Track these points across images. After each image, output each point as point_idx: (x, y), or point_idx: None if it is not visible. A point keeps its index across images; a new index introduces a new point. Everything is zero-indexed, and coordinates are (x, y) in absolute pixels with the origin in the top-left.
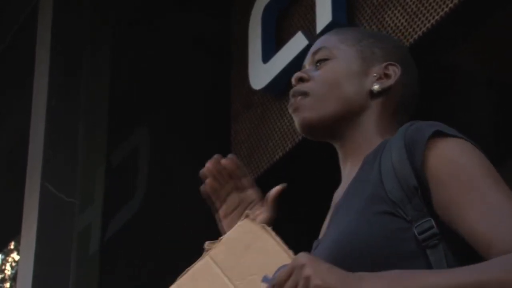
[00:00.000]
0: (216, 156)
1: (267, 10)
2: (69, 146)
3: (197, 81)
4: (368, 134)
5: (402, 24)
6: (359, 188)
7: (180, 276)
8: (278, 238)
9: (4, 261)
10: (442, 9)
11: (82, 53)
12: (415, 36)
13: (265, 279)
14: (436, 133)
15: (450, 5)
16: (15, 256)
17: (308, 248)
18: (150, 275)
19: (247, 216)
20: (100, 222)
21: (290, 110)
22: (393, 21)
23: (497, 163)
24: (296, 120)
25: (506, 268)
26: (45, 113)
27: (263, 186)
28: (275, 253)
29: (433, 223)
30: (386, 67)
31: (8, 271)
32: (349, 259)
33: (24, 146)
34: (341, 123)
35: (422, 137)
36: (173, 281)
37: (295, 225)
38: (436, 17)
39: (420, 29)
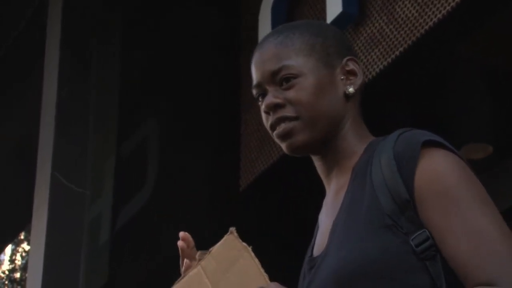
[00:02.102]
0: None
1: (277, 0)
2: (79, 136)
3: (207, 72)
4: (348, 141)
5: (413, 15)
6: (356, 204)
7: (175, 283)
8: (257, 260)
9: (15, 251)
10: (453, 0)
11: (92, 44)
12: (426, 27)
13: None
14: (426, 144)
15: None
16: (25, 246)
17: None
18: (160, 265)
19: (231, 232)
20: (110, 212)
21: (277, 137)
22: (403, 12)
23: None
24: (288, 143)
25: None
26: (55, 104)
27: (273, 176)
28: (254, 275)
29: (428, 234)
30: (346, 64)
31: (18, 261)
32: (357, 278)
33: (35, 137)
34: (328, 137)
35: (412, 150)
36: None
37: (306, 217)
38: (448, 8)
39: (431, 19)
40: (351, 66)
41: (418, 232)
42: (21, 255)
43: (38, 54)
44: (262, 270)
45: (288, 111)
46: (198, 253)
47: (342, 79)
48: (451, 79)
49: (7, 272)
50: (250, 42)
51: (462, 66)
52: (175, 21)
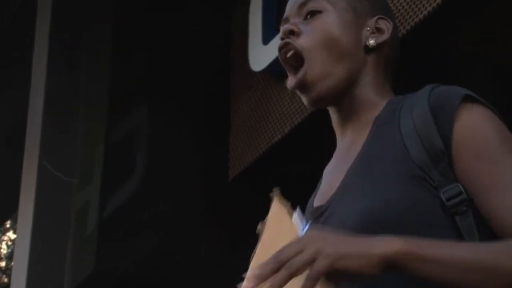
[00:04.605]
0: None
1: None
2: (68, 124)
3: (197, 62)
4: (368, 93)
5: (403, 7)
6: (377, 152)
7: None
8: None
9: (0, 239)
10: None
11: (81, 32)
12: (416, 20)
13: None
14: (465, 98)
15: None
16: (11, 235)
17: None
18: (148, 255)
19: (275, 193)
20: (98, 201)
21: (288, 85)
22: (394, 4)
23: None
24: (303, 97)
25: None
26: (44, 91)
27: (262, 168)
28: (288, 232)
29: (462, 188)
30: (377, 21)
31: (4, 249)
32: (382, 228)
33: (23, 124)
34: (344, 85)
35: (451, 103)
36: (171, 261)
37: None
38: (437, 1)
39: (421, 12)
40: (382, 24)
41: (450, 186)
42: (6, 244)
43: (27, 42)
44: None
45: (299, 41)
46: (259, 226)
47: (368, 31)
48: (442, 72)
49: None
50: (240, 33)
51: (454, 59)
52: (166, 13)
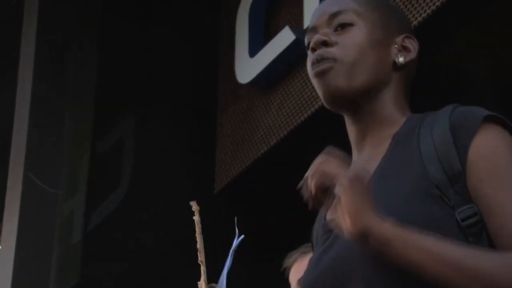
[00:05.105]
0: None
1: (254, 4)
2: (53, 136)
3: (184, 73)
4: (389, 109)
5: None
6: (395, 169)
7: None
8: None
9: None
10: (434, 3)
11: (68, 41)
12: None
13: None
14: (486, 119)
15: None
16: None
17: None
18: (132, 266)
19: None
20: (83, 212)
21: (312, 73)
22: None
23: None
24: (322, 85)
25: (503, 265)
26: (30, 102)
27: (248, 180)
28: None
29: (477, 209)
30: (403, 40)
31: None
32: None
33: (8, 135)
34: (366, 94)
35: (471, 124)
36: (154, 273)
37: (281, 220)
38: (428, 11)
39: (412, 21)
40: (408, 43)
41: (466, 206)
42: None
43: (14, 50)
44: None
45: (332, 52)
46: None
47: (396, 48)
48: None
49: None
50: (227, 45)
51: (447, 64)
52: (153, 22)
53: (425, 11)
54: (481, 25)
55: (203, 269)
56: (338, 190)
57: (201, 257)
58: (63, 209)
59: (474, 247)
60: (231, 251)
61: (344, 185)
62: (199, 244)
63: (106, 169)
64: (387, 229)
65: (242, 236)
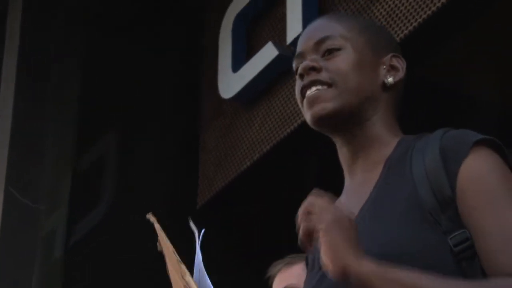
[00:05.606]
0: None
1: (237, 20)
2: (35, 151)
3: (166, 89)
4: (380, 130)
5: (388, 22)
6: (390, 195)
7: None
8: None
9: None
10: (425, 12)
11: (50, 57)
12: (401, 35)
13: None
14: (476, 143)
15: (433, 8)
16: None
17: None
18: (114, 282)
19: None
20: (65, 228)
21: (307, 102)
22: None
23: None
24: (314, 110)
25: None
26: (11, 117)
27: (231, 195)
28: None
29: (468, 234)
30: (391, 59)
31: None
32: None
33: None
34: (355, 117)
35: (460, 149)
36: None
37: (264, 234)
38: (424, 16)
39: (402, 31)
40: (395, 62)
41: (458, 232)
42: None
43: None
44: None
45: (323, 76)
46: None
47: (384, 68)
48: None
49: None
50: (210, 60)
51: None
52: (136, 38)
53: (407, 28)
54: (466, 40)
55: (175, 258)
56: (319, 232)
57: (173, 259)
58: (45, 224)
59: (458, 279)
60: (197, 245)
61: (323, 229)
62: (165, 250)
63: (88, 184)
64: (367, 267)
65: (203, 230)
